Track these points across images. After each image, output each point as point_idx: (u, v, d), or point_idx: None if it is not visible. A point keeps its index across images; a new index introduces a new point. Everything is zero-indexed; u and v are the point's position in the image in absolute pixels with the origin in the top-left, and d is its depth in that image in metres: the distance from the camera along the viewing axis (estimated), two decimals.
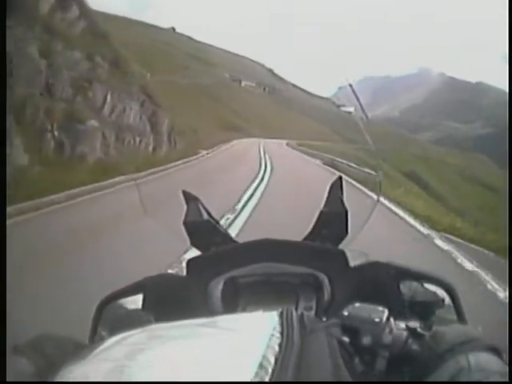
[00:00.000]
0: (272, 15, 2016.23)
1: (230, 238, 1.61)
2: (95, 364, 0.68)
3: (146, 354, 0.67)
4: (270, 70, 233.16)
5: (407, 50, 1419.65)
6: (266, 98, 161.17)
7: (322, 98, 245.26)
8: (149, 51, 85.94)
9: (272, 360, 0.66)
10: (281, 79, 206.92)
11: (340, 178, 1.58)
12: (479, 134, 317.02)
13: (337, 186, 1.56)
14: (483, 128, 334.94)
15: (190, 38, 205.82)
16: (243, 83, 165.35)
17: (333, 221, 1.51)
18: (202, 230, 1.57)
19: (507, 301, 6.63)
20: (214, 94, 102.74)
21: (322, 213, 1.54)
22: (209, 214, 1.60)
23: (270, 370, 0.64)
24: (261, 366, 0.64)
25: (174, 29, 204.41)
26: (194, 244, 1.57)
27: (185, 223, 1.56)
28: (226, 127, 73.04)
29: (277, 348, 0.69)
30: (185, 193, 1.63)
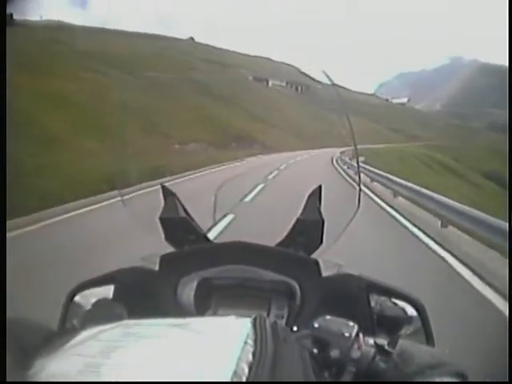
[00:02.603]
0: (295, 16, 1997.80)
1: (205, 237, 1.62)
2: (70, 359, 0.68)
3: (120, 352, 0.68)
4: (299, 70, 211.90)
5: (436, 40, 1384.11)
6: (300, 99, 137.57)
7: (365, 94, 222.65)
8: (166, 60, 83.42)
9: (246, 369, 0.66)
10: (313, 79, 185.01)
11: (319, 187, 1.59)
12: None
13: (315, 195, 1.58)
14: None
15: (209, 46, 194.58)
16: (270, 83, 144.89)
17: (308, 229, 1.53)
18: (178, 226, 1.58)
19: None
20: (230, 98, 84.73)
21: (298, 220, 1.55)
22: (185, 211, 1.62)
23: (244, 379, 0.64)
24: (235, 374, 0.64)
25: (192, 38, 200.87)
26: (169, 240, 1.58)
27: (161, 218, 1.58)
28: (241, 137, 55.73)
29: (250, 357, 0.69)
30: (163, 188, 1.64)
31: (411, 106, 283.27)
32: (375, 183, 19.04)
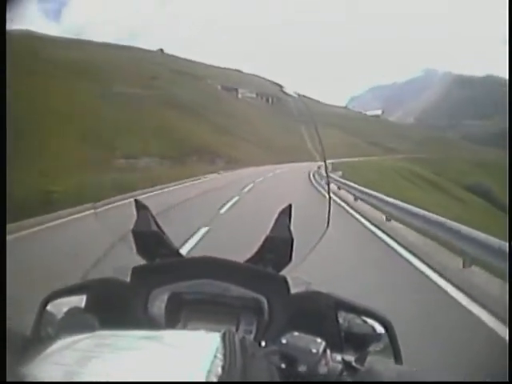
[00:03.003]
0: (268, 28, 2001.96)
1: (176, 252, 1.64)
2: (48, 367, 0.71)
3: (96, 363, 0.71)
4: (271, 81, 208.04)
5: (409, 52, 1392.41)
6: (271, 110, 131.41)
7: (338, 107, 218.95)
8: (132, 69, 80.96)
9: (215, 382, 0.69)
10: (285, 92, 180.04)
11: (290, 205, 1.61)
12: (502, 128, 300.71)
13: (285, 213, 1.60)
14: (505, 122, 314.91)
15: (178, 57, 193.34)
16: (240, 94, 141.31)
17: (278, 246, 1.54)
18: (149, 240, 1.59)
19: None
20: (196, 109, 79.91)
21: (267, 237, 1.56)
22: (157, 225, 1.63)
23: None
24: None
25: (162, 50, 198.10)
26: (140, 253, 1.59)
27: (133, 231, 1.60)
28: (202, 151, 50.20)
29: (220, 370, 0.72)
30: (136, 201, 1.65)
31: (385, 118, 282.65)
32: (359, 201, 18.20)
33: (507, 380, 2.27)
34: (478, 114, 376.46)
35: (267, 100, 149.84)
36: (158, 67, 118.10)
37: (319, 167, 28.52)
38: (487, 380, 3.09)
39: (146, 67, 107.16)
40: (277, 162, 52.50)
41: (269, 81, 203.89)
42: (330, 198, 2.16)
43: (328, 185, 2.90)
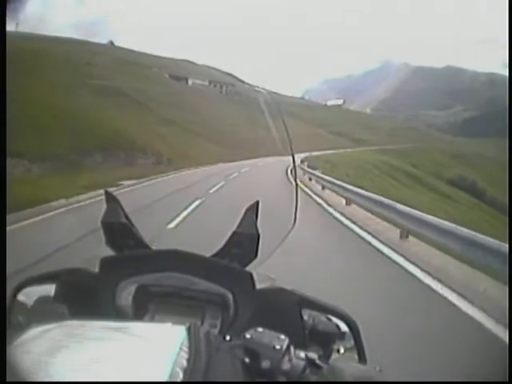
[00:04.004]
0: (221, 20, 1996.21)
1: (144, 244, 1.64)
2: (19, 356, 0.72)
3: (65, 352, 0.73)
4: (224, 72, 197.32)
5: (364, 45, 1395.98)
6: (225, 100, 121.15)
7: (295, 97, 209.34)
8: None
9: (180, 373, 0.72)
10: (240, 81, 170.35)
11: (257, 202, 1.62)
12: (464, 119, 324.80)
13: (252, 209, 1.61)
14: (466, 112, 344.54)
15: (128, 49, 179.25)
16: (190, 82, 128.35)
17: (244, 242, 1.56)
18: (118, 231, 1.60)
19: None
20: (136, 98, 68.42)
21: (234, 233, 1.58)
22: (126, 217, 1.64)
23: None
24: (170, 377, 0.70)
25: (112, 42, 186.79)
26: (109, 244, 1.61)
27: (102, 223, 1.61)
28: (120, 148, 36.65)
29: (185, 363, 0.75)
30: (106, 193, 1.66)
31: (347, 108, 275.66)
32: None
33: (507, 380, 2.34)
34: (438, 104, 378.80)
35: (221, 89, 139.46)
36: (100, 57, 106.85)
37: (302, 161, 30.20)
38: (487, 380, 3.37)
39: (86, 57, 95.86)
40: (231, 158, 44.74)
41: (222, 71, 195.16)
42: (297, 190, 2.18)
43: (295, 175, 1.92)
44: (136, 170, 29.31)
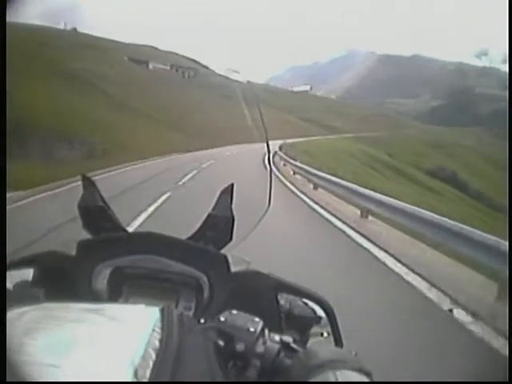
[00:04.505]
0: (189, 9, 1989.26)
1: (121, 227, 1.62)
2: None
3: (43, 335, 0.74)
4: (187, 58, 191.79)
5: (331, 35, 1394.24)
6: (188, 84, 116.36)
7: (259, 84, 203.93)
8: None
9: (153, 354, 0.73)
10: (204, 67, 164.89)
11: (232, 184, 1.62)
12: (432, 107, 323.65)
13: (227, 192, 1.61)
14: (434, 100, 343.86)
15: (91, 35, 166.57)
16: (151, 65, 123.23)
17: (219, 224, 1.55)
18: (94, 214, 1.59)
19: None
20: (88, 79, 64.46)
21: (209, 215, 1.58)
22: (103, 200, 1.63)
23: (150, 364, 0.71)
24: (143, 358, 0.71)
25: (75, 29, 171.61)
26: (86, 227, 1.59)
27: (79, 206, 1.60)
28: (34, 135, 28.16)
29: (157, 343, 0.76)
30: (84, 177, 1.65)
31: (314, 94, 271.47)
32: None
33: (507, 380, 2.41)
34: (406, 92, 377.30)
35: (183, 73, 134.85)
36: (59, 41, 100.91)
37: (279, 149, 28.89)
38: (487, 380, 3.46)
39: (44, 41, 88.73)
40: (191, 147, 38.72)
41: (186, 57, 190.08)
42: (271, 171, 2.34)
43: (269, 159, 2.51)
44: (45, 167, 20.61)
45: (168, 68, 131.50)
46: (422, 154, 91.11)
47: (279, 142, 36.39)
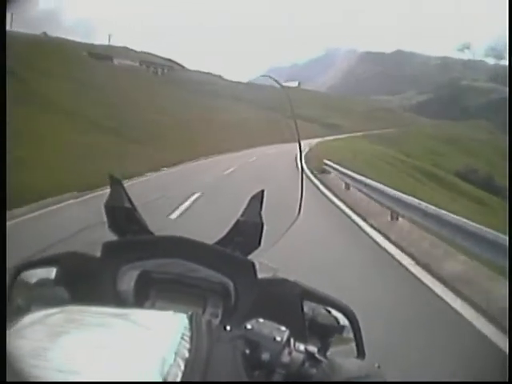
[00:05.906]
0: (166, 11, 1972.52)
1: (147, 229, 1.64)
2: (19, 342, 0.73)
3: (65, 338, 0.73)
4: (164, 58, 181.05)
5: (308, 35, 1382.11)
6: (161, 81, 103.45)
7: (242, 83, 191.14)
8: None
9: (182, 364, 0.72)
10: (179, 65, 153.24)
11: (262, 191, 1.62)
12: (419, 102, 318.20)
13: (257, 198, 1.61)
14: (420, 95, 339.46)
15: (64, 39, 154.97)
16: (116, 61, 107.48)
17: (248, 230, 1.56)
18: (121, 215, 1.60)
19: None
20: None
21: (238, 221, 1.59)
22: (130, 201, 1.63)
23: (179, 374, 0.70)
24: (171, 367, 0.70)
25: (45, 33, 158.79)
26: (111, 228, 1.60)
27: (105, 206, 1.60)
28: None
29: (186, 353, 0.75)
30: (111, 176, 1.64)
31: (304, 89, 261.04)
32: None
33: (507, 380, 2.45)
34: (390, 89, 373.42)
35: (155, 70, 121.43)
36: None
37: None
38: (487, 380, 3.39)
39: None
40: (165, 163, 27.64)
41: (161, 57, 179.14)
42: (302, 178, 2.24)
43: (302, 166, 2.30)
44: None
45: (137, 64, 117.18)
46: (439, 152, 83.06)
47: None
